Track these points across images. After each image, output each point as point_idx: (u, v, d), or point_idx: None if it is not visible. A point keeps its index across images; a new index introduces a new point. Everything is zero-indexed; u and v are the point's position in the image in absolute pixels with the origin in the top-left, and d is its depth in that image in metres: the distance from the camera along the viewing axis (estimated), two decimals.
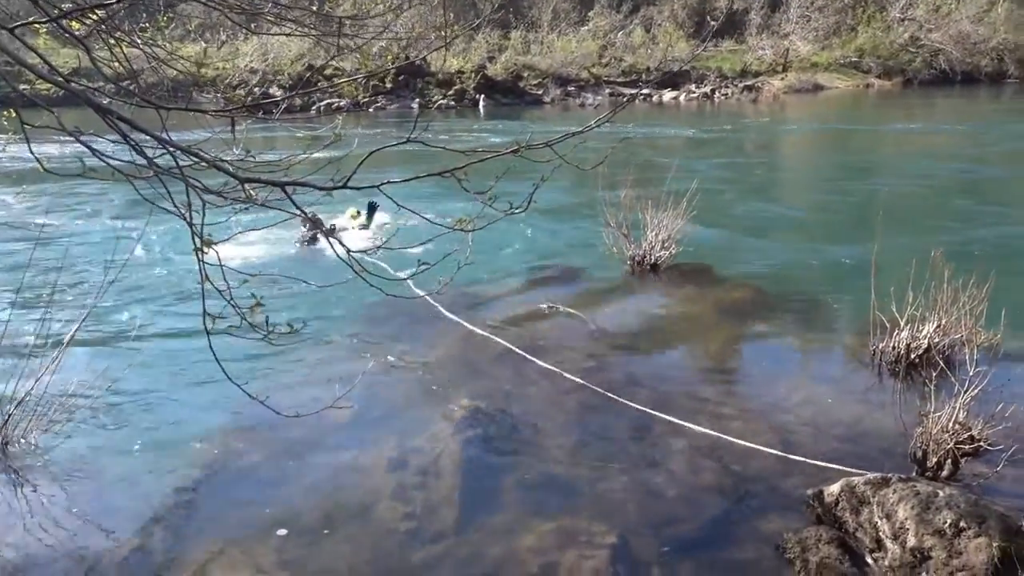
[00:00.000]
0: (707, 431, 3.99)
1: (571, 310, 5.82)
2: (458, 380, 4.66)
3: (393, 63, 21.65)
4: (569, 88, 28.82)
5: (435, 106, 26.26)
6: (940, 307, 4.60)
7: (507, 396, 4.42)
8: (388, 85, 26.48)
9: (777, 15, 33.75)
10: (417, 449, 3.83)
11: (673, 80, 29.68)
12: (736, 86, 29.45)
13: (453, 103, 26.66)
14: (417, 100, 26.61)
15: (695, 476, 3.60)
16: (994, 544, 2.52)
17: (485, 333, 5.31)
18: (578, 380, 4.58)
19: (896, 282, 4.97)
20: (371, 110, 25.50)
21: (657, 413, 4.16)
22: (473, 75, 27.62)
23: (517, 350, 4.99)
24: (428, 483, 3.54)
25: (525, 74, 29.05)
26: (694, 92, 28.45)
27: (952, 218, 9.49)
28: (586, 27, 32.76)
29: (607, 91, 28.52)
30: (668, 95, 28.44)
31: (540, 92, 28.43)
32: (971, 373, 3.50)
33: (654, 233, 6.84)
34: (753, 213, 9.75)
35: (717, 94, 28.59)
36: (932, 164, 13.88)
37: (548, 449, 3.84)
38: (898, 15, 32.57)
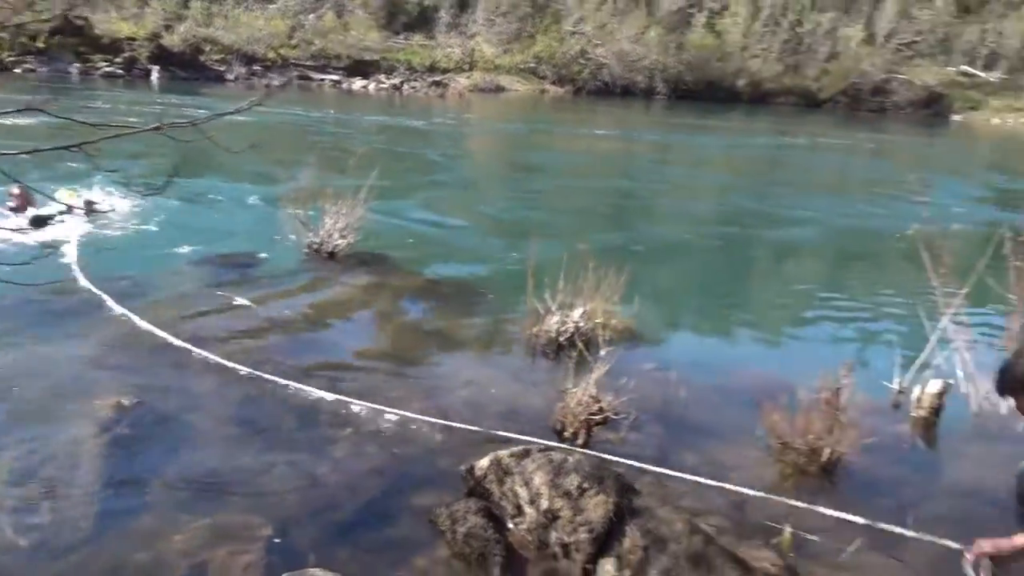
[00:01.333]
0: (373, 413, 4.10)
1: (243, 300, 5.63)
2: (110, 377, 4.30)
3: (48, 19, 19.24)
4: (255, 67, 27.66)
5: (99, 73, 23.73)
6: (585, 296, 5.16)
7: (165, 391, 4.16)
8: (40, 45, 23.42)
9: (465, 15, 35.23)
10: (51, 456, 3.47)
11: (364, 69, 29.74)
12: (425, 80, 30.27)
13: (121, 71, 24.29)
14: (76, 65, 23.84)
15: (358, 460, 3.68)
16: (610, 501, 2.89)
17: (148, 325, 4.95)
18: (246, 370, 4.45)
19: (551, 274, 5.48)
20: (18, 71, 22.38)
21: (326, 395, 4.19)
22: (147, 43, 25.37)
23: (180, 342, 4.72)
24: (60, 492, 3.22)
25: (206, 48, 27.37)
26: (384, 83, 28.78)
27: (605, 217, 10.63)
28: (275, 5, 31.63)
29: (295, 73, 27.78)
30: (358, 83, 28.45)
31: (223, 69, 26.97)
32: (602, 352, 3.96)
33: (332, 221, 6.84)
34: (434, 206, 10.13)
35: (406, 86, 29.19)
36: (594, 165, 15.42)
37: (206, 444, 3.69)
38: (570, 28, 35.57)
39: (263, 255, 6.85)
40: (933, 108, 35.33)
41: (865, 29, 37.12)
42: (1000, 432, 4.50)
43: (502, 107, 26.82)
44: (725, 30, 36.90)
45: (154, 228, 7.47)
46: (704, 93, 34.53)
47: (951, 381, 4.66)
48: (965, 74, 37.76)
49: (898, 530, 3.19)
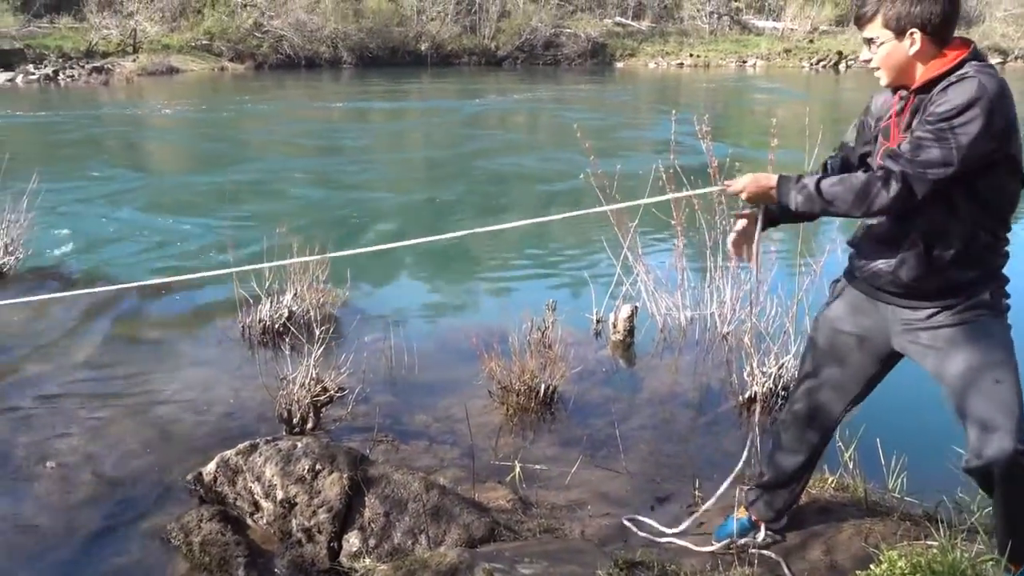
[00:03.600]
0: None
1: None
2: None
3: None
4: None
5: None
6: (293, 278, 5.06)
7: None
8: None
9: None
10: None
11: (6, 60, 26.12)
12: (83, 67, 27.25)
13: None
14: None
15: (69, 494, 3.35)
16: (344, 476, 2.91)
17: None
18: None
19: (255, 261, 5.27)
20: None
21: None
22: None
23: None
24: None
25: None
26: (33, 74, 25.49)
27: (304, 196, 10.41)
28: None
29: None
30: (1, 77, 24.96)
31: None
32: (318, 332, 3.93)
33: None
34: (117, 207, 9.28)
35: (62, 76, 26.09)
36: (289, 143, 14.97)
37: None
38: (240, 1, 33.81)
39: None
40: (599, 57, 38.50)
41: None
42: (683, 341, 5.16)
43: (178, 89, 24.98)
44: None
45: None
46: (390, 59, 34.67)
47: (638, 304, 5.24)
48: (620, 24, 41.57)
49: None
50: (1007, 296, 2.30)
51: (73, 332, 5.22)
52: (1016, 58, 40.09)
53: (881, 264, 2.31)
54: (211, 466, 3.14)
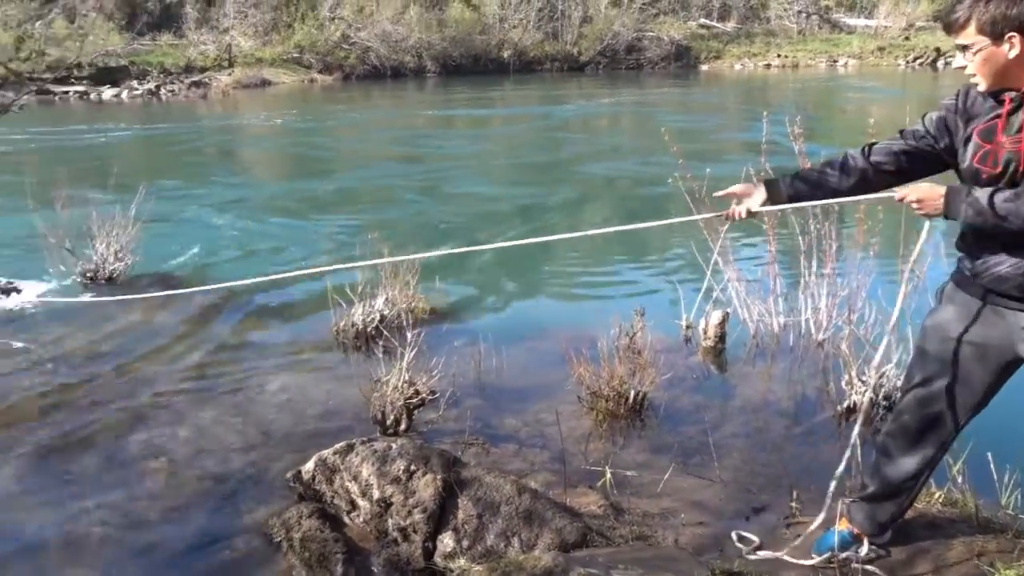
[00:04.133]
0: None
1: (17, 343, 5.14)
2: None
3: None
4: None
5: None
6: (385, 283, 5.16)
7: None
8: None
9: (214, 9, 33.41)
10: None
11: (112, 76, 27.53)
12: (183, 82, 28.48)
13: None
14: None
15: (178, 489, 3.50)
16: (438, 478, 2.95)
17: None
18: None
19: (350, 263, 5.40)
20: None
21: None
22: None
23: None
24: None
25: None
26: (137, 89, 26.78)
27: (395, 202, 10.61)
28: None
29: (32, 88, 25.19)
30: (108, 92, 26.31)
31: None
32: (409, 336, 4.00)
33: (104, 244, 6.37)
34: (217, 214, 9.66)
35: (163, 91, 27.34)
36: (379, 150, 15.30)
37: (6, 510, 3.37)
38: (328, 14, 34.75)
39: (33, 294, 6.24)
40: (683, 60, 38.03)
41: None
42: (776, 349, 5.04)
43: (271, 101, 25.85)
44: (482, 3, 37.56)
45: None
46: (473, 67, 35.08)
47: (729, 310, 5.14)
48: (705, 26, 40.96)
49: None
50: None
51: (179, 334, 5.46)
52: None
53: (1006, 268, 2.22)
54: (310, 465, 3.23)
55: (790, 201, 2.57)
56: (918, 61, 34.13)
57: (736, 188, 2.65)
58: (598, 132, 18.59)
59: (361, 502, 3.04)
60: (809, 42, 39.96)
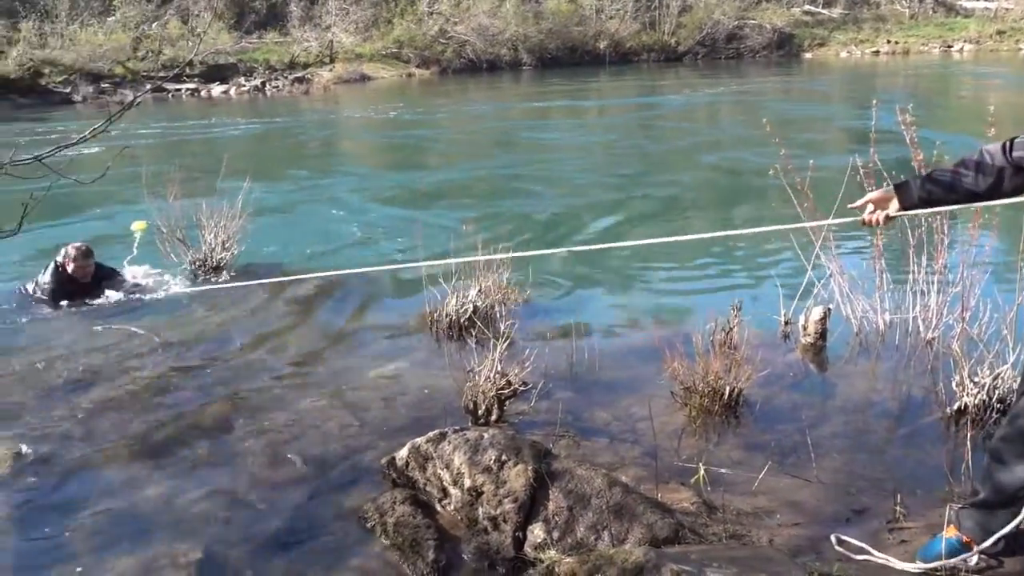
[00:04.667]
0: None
1: (134, 328, 5.45)
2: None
3: None
4: (103, 85, 26.27)
5: None
6: (479, 274, 5.21)
7: (63, 436, 3.98)
8: None
9: (317, 7, 34.40)
10: None
11: (221, 74, 28.72)
12: (286, 78, 29.47)
13: None
14: None
15: (278, 470, 3.63)
16: (529, 468, 2.96)
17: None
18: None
19: (443, 257, 5.47)
20: None
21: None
22: None
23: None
24: None
25: (46, 70, 25.77)
26: (244, 85, 27.86)
27: (490, 193, 10.70)
28: (113, 17, 30.05)
29: (148, 87, 26.55)
30: (217, 89, 27.46)
31: (68, 90, 25.49)
32: (502, 328, 4.03)
33: (212, 235, 6.65)
34: (316, 205, 9.97)
35: (268, 87, 28.35)
36: (474, 143, 15.45)
37: (117, 480, 3.56)
38: (427, 9, 35.28)
39: (146, 281, 6.58)
40: (785, 48, 36.93)
41: None
42: (881, 347, 4.84)
43: (370, 95, 26.44)
44: None
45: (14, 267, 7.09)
46: (568, 59, 35.00)
47: (831, 306, 4.96)
48: (809, 13, 39.60)
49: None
50: None
51: (281, 322, 5.66)
52: None
53: None
54: (403, 452, 3.29)
55: (923, 205, 2.45)
56: None
57: (873, 195, 2.55)
58: (697, 123, 18.25)
59: (452, 490, 3.08)
60: (922, 27, 38.12)
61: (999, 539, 2.54)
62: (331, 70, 31.08)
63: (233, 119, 20.44)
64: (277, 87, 28.50)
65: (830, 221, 3.09)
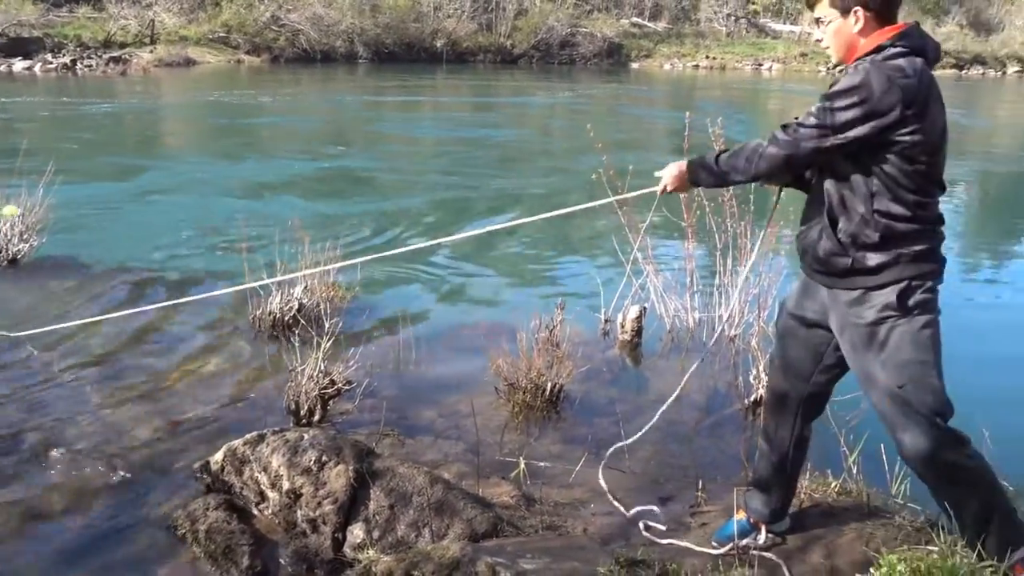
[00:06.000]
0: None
1: None
2: None
3: None
4: None
5: None
6: (304, 271, 5.09)
7: None
8: None
9: None
10: None
11: (25, 48, 26.32)
12: (100, 57, 27.40)
13: None
14: None
15: (80, 480, 3.38)
16: (350, 468, 2.94)
17: None
18: None
19: (267, 253, 5.29)
20: None
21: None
22: None
23: None
24: None
25: None
26: (51, 63, 25.64)
27: (317, 190, 10.46)
28: None
29: None
30: (20, 65, 25.14)
31: None
32: (328, 326, 3.96)
33: (8, 225, 6.10)
34: (132, 196, 9.36)
35: (79, 65, 26.24)
36: (304, 135, 15.03)
37: None
38: None
39: None
40: (615, 57, 38.45)
41: None
42: (690, 343, 5.17)
43: (195, 81, 25.12)
44: None
45: None
46: (405, 55, 34.74)
47: (646, 305, 5.24)
48: (637, 25, 41.47)
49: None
50: (925, 289, 2.27)
51: (83, 320, 5.26)
52: None
53: (806, 240, 2.42)
54: (219, 455, 3.17)
55: (710, 179, 2.68)
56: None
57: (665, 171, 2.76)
58: (529, 125, 18.67)
59: (271, 493, 3.00)
60: (737, 45, 40.93)
61: (780, 516, 2.79)
62: (152, 51, 29.19)
63: (38, 99, 18.80)
64: (90, 66, 26.43)
65: (629, 195, 3.37)
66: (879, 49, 2.22)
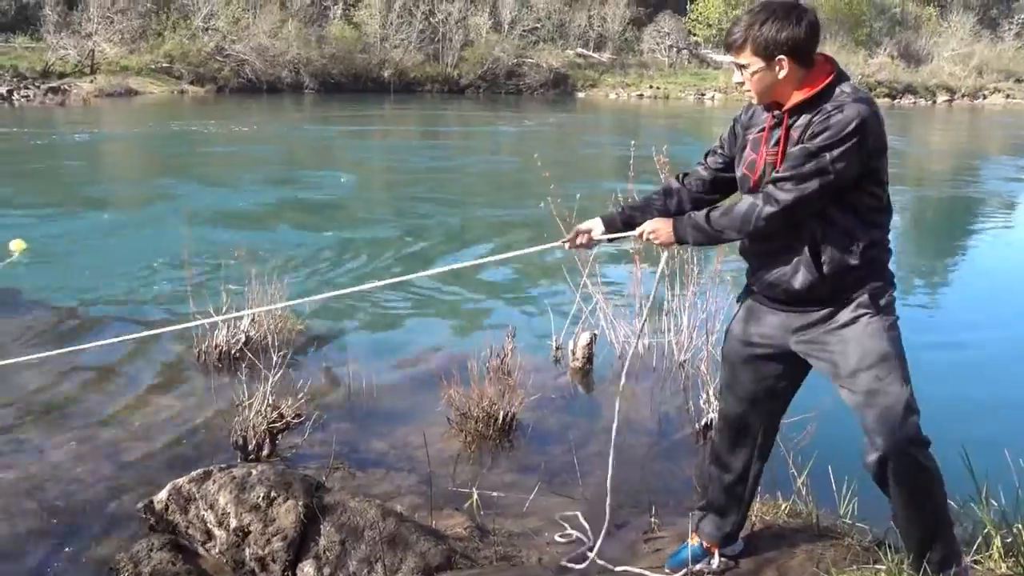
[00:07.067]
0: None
1: None
2: None
3: None
4: None
5: None
6: (251, 304, 5.01)
7: None
8: None
9: (76, 13, 31.71)
10: None
11: None
12: (38, 87, 26.84)
13: None
14: None
15: (14, 525, 3.25)
16: (299, 504, 2.88)
17: None
18: None
19: (212, 287, 5.19)
20: None
21: None
22: None
23: None
24: None
25: None
26: None
27: (262, 220, 10.34)
28: None
29: None
30: None
31: None
32: (276, 358, 3.90)
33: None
34: (69, 230, 9.13)
35: (16, 96, 25.67)
36: (249, 168, 14.87)
37: None
38: (202, 24, 33.66)
39: None
40: (561, 87, 39.03)
41: (492, 17, 39.76)
42: (641, 369, 5.21)
43: (137, 112, 24.72)
44: (363, 22, 37.35)
45: None
46: (352, 85, 34.77)
47: (596, 332, 5.28)
48: (582, 56, 42.17)
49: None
50: (889, 294, 2.39)
51: (17, 356, 5.09)
52: (963, 95, 41.48)
53: (776, 275, 2.44)
54: (162, 494, 3.08)
55: (626, 227, 2.71)
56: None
57: (581, 226, 2.81)
58: (477, 153, 18.76)
59: (218, 532, 2.92)
60: (680, 75, 41.86)
61: (732, 539, 2.81)
62: (92, 81, 28.71)
63: None
64: (27, 97, 25.87)
65: (546, 247, 3.35)
66: (831, 85, 2.27)
